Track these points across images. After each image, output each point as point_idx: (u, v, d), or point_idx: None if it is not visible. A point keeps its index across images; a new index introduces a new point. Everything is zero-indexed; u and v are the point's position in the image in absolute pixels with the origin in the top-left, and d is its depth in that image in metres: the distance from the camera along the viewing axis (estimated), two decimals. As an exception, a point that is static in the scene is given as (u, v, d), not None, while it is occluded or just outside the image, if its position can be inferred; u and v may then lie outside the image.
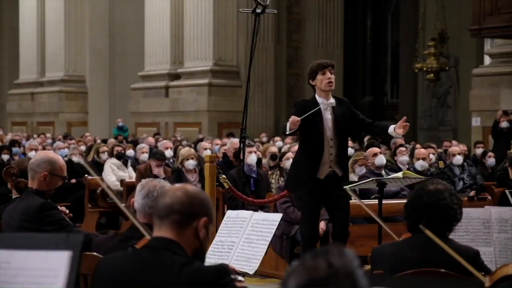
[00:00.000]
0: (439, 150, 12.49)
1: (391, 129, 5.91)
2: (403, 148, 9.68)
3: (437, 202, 3.34)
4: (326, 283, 1.70)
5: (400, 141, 11.37)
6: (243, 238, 4.24)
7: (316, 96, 5.89)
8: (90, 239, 3.89)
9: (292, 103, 20.28)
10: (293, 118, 5.56)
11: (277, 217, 4.35)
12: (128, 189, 9.76)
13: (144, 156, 10.89)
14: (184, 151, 9.67)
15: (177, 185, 2.83)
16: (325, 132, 5.80)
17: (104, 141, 15.14)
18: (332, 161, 5.85)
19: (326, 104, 5.85)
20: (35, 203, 4.16)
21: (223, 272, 2.60)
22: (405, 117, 5.90)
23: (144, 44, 21.26)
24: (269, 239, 4.18)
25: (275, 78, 20.34)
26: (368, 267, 3.53)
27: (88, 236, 3.99)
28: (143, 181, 3.70)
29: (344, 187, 5.83)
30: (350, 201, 8.03)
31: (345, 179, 6.09)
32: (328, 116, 5.84)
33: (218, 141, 13.94)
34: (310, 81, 5.90)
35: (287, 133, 5.66)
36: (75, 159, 11.18)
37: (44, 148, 12.80)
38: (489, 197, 8.82)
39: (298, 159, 6.02)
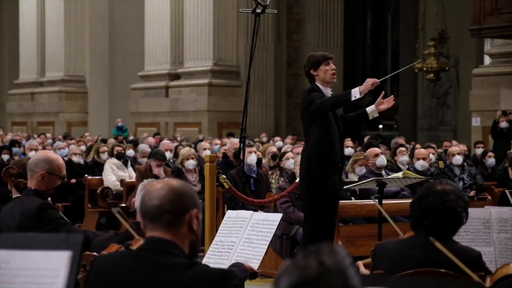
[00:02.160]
0: (439, 150, 12.49)
1: (370, 109, 5.82)
2: (403, 148, 9.68)
3: (442, 203, 3.31)
4: (317, 281, 1.70)
5: (401, 141, 11.38)
6: (243, 238, 4.23)
7: (318, 85, 5.85)
8: (87, 237, 3.94)
9: (292, 103, 20.37)
10: (374, 80, 5.39)
11: (277, 217, 4.35)
12: (128, 189, 9.77)
13: (143, 161, 10.85)
14: (184, 151, 9.67)
15: (159, 182, 2.80)
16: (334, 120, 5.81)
17: (104, 141, 15.13)
18: (340, 148, 5.88)
19: (328, 94, 5.87)
20: (33, 204, 4.16)
21: (228, 276, 2.60)
22: (383, 93, 5.81)
23: (144, 44, 21.26)
24: (269, 239, 4.18)
25: (275, 78, 20.34)
26: (369, 260, 3.53)
27: (85, 234, 4.04)
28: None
29: (345, 187, 5.83)
30: (350, 201, 8.07)
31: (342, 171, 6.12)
32: None
33: (217, 141, 13.93)
34: (312, 71, 5.84)
35: (357, 98, 5.39)
36: (75, 159, 11.18)
37: (44, 148, 12.79)
38: (489, 197, 8.83)
39: (317, 147, 5.76)
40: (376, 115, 5.80)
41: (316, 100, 5.62)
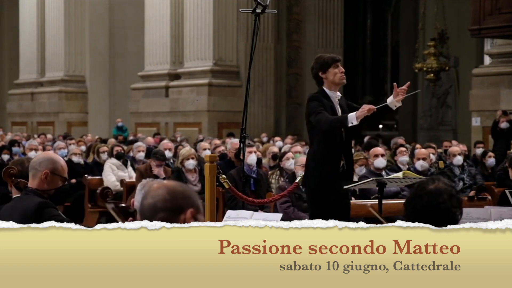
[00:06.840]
0: (439, 150, 12.48)
1: (390, 99, 5.79)
2: (403, 148, 9.67)
3: (436, 205, 3.32)
4: None
5: (401, 141, 11.38)
6: (243, 238, 4.23)
7: (325, 89, 5.84)
8: None
9: (292, 103, 20.37)
10: (370, 106, 5.43)
11: (277, 217, 4.35)
12: (128, 189, 9.76)
13: (141, 155, 10.87)
14: (184, 151, 9.67)
15: (157, 183, 2.80)
16: None
17: (104, 141, 15.12)
18: (343, 153, 5.87)
19: (336, 97, 5.88)
20: (33, 203, 4.16)
21: None
22: (395, 84, 5.80)
23: (144, 44, 21.25)
24: (269, 239, 4.17)
25: (275, 78, 20.33)
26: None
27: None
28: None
29: (344, 186, 5.82)
30: (350, 201, 8.04)
31: (352, 173, 6.10)
32: (338, 109, 5.86)
33: (217, 141, 13.93)
34: (320, 73, 5.84)
35: (354, 124, 5.44)
36: (75, 159, 11.18)
37: (44, 148, 12.80)
38: (489, 197, 8.82)
39: (318, 153, 5.84)
40: (399, 104, 5.78)
41: (315, 115, 5.67)
